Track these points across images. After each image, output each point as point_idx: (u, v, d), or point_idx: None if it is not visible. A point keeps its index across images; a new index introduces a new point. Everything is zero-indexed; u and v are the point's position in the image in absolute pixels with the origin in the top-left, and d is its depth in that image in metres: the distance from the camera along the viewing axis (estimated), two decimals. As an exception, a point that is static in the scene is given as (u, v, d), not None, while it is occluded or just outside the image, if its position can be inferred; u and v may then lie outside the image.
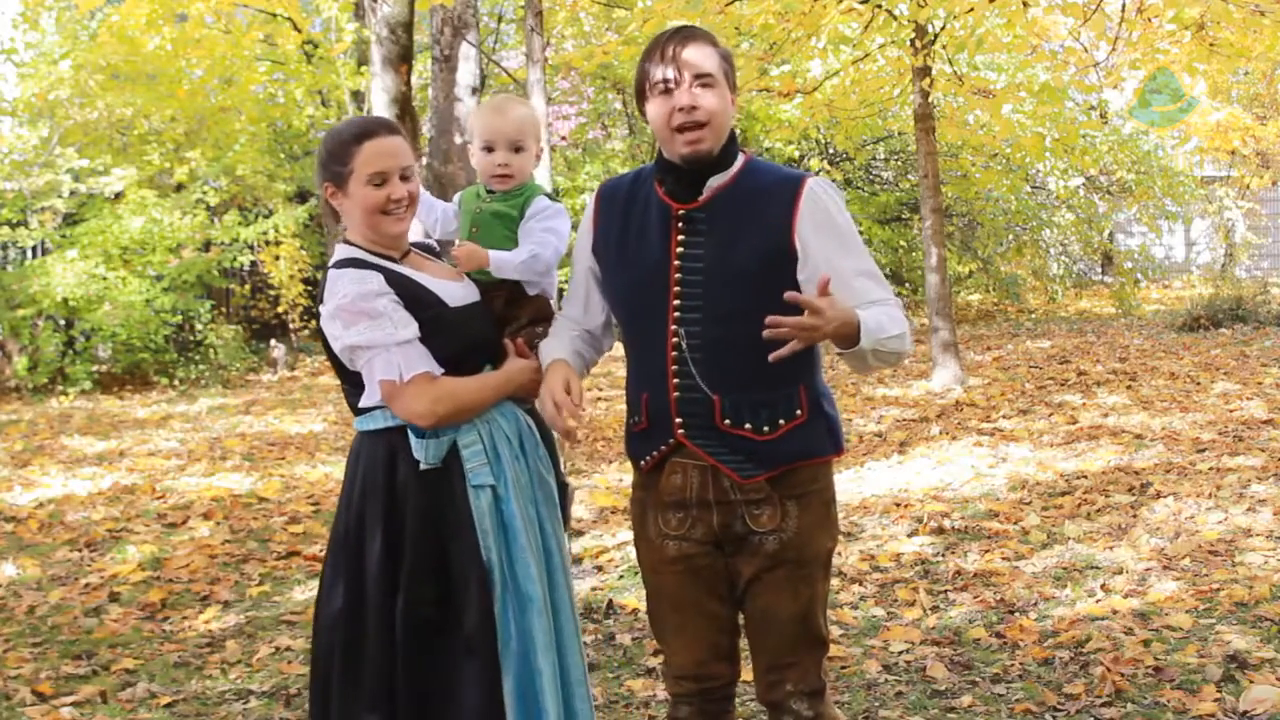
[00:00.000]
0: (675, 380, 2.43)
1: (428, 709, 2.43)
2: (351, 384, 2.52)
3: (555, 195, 2.85)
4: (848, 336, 2.28)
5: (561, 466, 2.76)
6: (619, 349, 2.66)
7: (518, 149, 2.68)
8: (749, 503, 2.44)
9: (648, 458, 2.51)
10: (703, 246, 2.42)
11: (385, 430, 2.48)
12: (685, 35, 2.42)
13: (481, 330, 2.57)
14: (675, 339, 2.42)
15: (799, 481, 2.46)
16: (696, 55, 2.39)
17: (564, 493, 2.71)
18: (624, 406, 2.74)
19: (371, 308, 2.41)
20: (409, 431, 2.45)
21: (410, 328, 2.43)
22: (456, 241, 2.76)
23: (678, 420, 2.44)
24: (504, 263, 2.63)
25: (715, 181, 2.45)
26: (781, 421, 2.43)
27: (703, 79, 2.38)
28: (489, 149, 2.68)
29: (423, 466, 2.45)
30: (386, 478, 2.47)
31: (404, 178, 2.50)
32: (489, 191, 2.74)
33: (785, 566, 2.46)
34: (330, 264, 2.52)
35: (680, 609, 2.54)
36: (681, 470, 2.47)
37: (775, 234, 2.40)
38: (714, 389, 2.40)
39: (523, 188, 2.74)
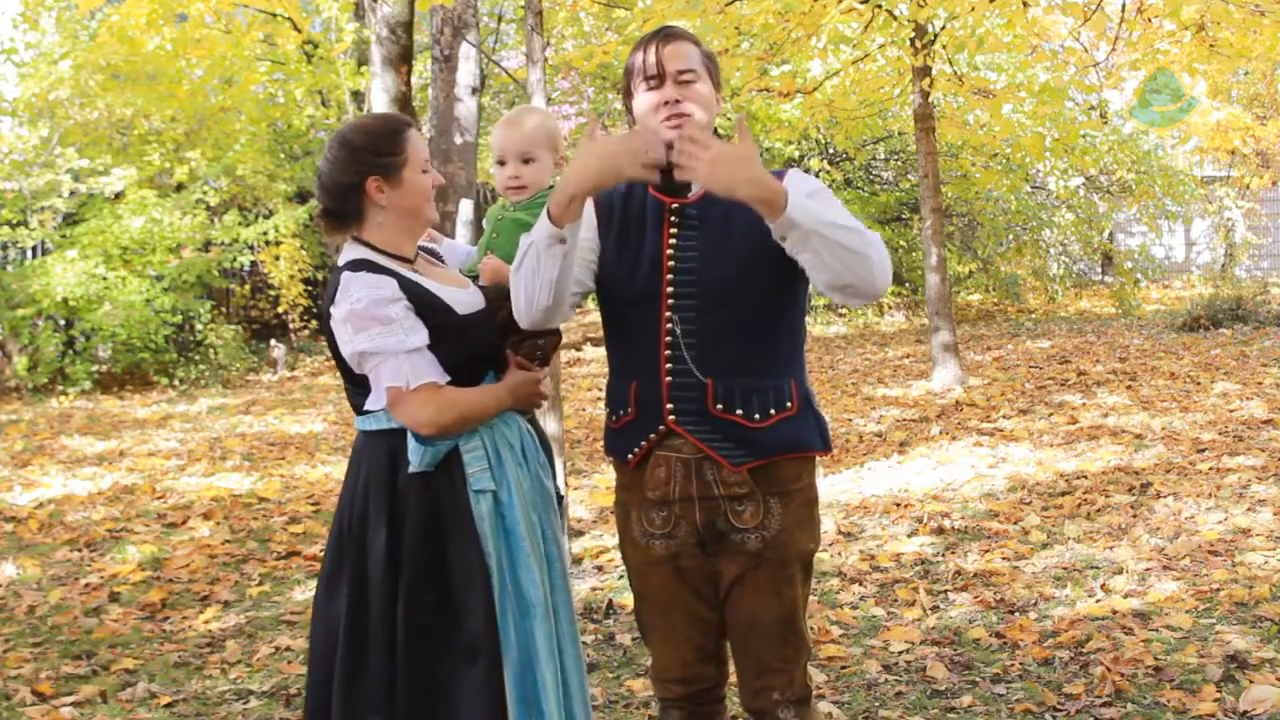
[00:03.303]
0: (668, 366, 2.44)
1: (428, 712, 2.41)
2: (356, 385, 2.52)
3: None
4: (769, 202, 2.22)
5: (559, 477, 2.77)
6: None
7: (527, 160, 2.75)
8: (731, 499, 2.45)
9: (635, 450, 2.51)
10: (696, 238, 2.46)
11: (387, 431, 2.48)
12: (668, 34, 2.49)
13: (486, 339, 2.56)
14: (669, 324, 2.43)
15: (783, 478, 2.47)
16: (680, 52, 2.46)
17: (559, 504, 2.72)
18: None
19: (384, 314, 2.40)
20: (409, 434, 2.45)
21: (420, 335, 2.43)
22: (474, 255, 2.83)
23: (669, 406, 2.44)
24: None
25: None
26: (773, 410, 2.44)
27: (686, 74, 2.45)
28: (501, 162, 2.76)
29: (412, 469, 2.44)
30: (389, 478, 2.47)
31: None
32: (513, 202, 2.79)
33: (767, 567, 2.46)
34: (341, 264, 2.51)
35: (666, 611, 2.55)
36: (665, 464, 2.47)
37: (764, 224, 2.41)
38: (706, 374, 2.41)
39: (545, 196, 2.77)
